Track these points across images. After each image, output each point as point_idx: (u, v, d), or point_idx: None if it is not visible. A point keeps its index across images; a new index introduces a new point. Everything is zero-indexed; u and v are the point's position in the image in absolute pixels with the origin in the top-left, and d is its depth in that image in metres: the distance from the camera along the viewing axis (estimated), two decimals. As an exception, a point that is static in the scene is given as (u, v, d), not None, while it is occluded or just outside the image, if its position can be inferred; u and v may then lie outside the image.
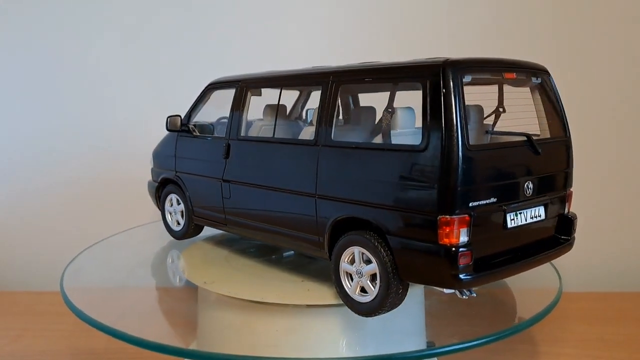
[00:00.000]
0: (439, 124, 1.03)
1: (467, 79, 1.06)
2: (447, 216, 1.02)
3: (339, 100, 1.31)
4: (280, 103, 1.47)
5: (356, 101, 1.67)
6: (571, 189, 1.29)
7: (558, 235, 1.27)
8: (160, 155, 1.75)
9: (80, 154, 2.26)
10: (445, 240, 1.03)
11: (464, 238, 1.04)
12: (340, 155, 1.19)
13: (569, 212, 1.29)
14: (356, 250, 1.16)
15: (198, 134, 1.59)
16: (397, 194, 1.08)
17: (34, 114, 2.26)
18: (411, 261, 1.08)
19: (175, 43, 2.22)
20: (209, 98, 1.62)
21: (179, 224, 1.70)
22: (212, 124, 1.65)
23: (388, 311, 1.16)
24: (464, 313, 1.42)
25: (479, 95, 1.26)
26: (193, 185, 1.60)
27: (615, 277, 2.26)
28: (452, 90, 1.03)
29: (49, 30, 2.20)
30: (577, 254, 2.19)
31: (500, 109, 1.35)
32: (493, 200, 1.08)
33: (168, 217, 1.75)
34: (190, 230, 1.67)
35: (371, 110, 1.40)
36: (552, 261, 1.55)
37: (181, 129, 1.61)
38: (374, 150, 1.14)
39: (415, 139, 1.08)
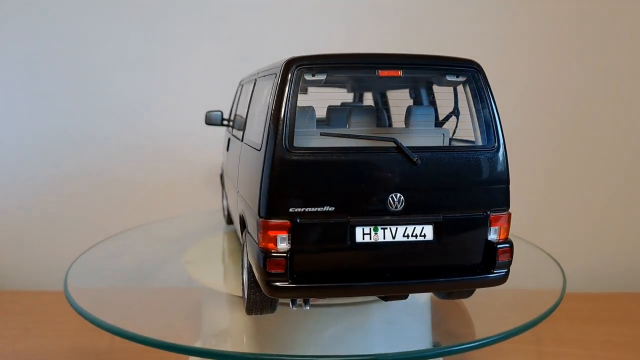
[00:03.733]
0: (267, 124, 1.00)
1: (313, 77, 1.02)
2: (264, 220, 0.98)
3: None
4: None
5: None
6: (505, 212, 1.07)
7: (484, 264, 1.06)
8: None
9: (82, 155, 2.26)
10: (262, 245, 0.98)
11: (282, 244, 0.98)
12: (239, 150, 1.22)
13: (501, 238, 1.06)
14: None
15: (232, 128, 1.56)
16: (250, 192, 1.05)
17: (36, 113, 2.25)
18: (251, 262, 1.05)
19: (189, 37, 2.22)
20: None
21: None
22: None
23: (261, 313, 1.12)
24: (469, 313, 1.42)
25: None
26: (227, 181, 1.62)
27: (621, 277, 2.25)
28: (284, 88, 0.99)
29: (55, 24, 2.19)
30: (582, 254, 2.22)
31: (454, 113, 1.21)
32: (329, 209, 0.99)
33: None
34: None
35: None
36: (559, 263, 1.56)
37: (222, 124, 1.63)
38: (243, 145, 1.16)
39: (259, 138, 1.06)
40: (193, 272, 1.42)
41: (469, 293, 1.19)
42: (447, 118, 1.21)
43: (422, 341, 1.31)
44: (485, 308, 1.44)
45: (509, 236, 1.08)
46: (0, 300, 2.14)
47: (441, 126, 1.20)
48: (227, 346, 1.28)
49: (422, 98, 1.28)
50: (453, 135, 1.17)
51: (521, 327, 1.20)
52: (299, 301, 1.07)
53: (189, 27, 2.20)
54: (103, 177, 2.27)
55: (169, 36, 2.21)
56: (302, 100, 1.04)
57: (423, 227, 1.02)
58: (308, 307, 1.08)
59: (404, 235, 1.01)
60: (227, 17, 2.19)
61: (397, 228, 1.01)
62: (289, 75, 1.00)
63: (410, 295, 1.32)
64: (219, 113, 1.67)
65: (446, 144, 1.13)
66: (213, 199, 2.14)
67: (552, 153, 2.25)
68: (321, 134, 1.04)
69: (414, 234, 1.02)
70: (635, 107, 2.21)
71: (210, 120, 1.65)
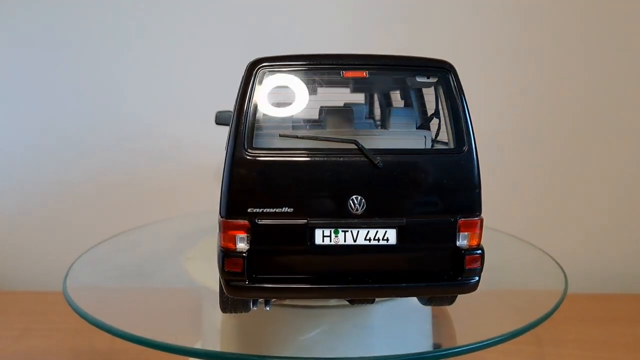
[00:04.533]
0: (230, 124, 1.01)
1: (273, 78, 1.02)
2: (224, 219, 0.99)
3: None
4: None
5: None
6: (476, 218, 1.03)
7: (453, 271, 1.03)
8: None
9: (82, 156, 2.26)
10: (223, 244, 0.99)
11: (241, 244, 0.98)
12: None
13: (471, 245, 1.03)
14: None
15: None
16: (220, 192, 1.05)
17: (37, 115, 2.25)
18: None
19: (194, 38, 2.21)
20: None
21: None
22: None
23: (235, 312, 1.12)
24: (471, 315, 1.42)
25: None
26: None
27: (622, 278, 2.25)
28: (247, 89, 1.00)
29: (68, 23, 2.19)
30: (583, 255, 2.22)
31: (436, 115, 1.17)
32: (288, 210, 0.98)
33: None
34: None
35: None
36: (560, 264, 1.56)
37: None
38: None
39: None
40: (193, 272, 1.42)
41: (450, 300, 1.15)
42: (428, 120, 1.18)
43: (422, 343, 1.31)
44: (486, 309, 1.44)
45: (481, 242, 1.04)
46: (0, 301, 2.13)
47: (426, 128, 1.17)
48: (228, 347, 1.27)
49: (399, 99, 1.28)
50: (436, 137, 1.15)
51: (522, 328, 1.20)
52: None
53: (193, 28, 2.20)
54: (103, 178, 2.27)
55: (174, 38, 2.20)
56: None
57: (386, 231, 1.00)
58: (268, 308, 1.08)
59: (365, 239, 1.00)
60: (233, 18, 2.19)
61: (358, 231, 0.99)
62: (252, 76, 1.01)
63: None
64: (230, 113, 1.64)
65: (428, 146, 1.09)
66: (214, 198, 2.13)
67: (553, 153, 2.24)
68: (280, 135, 1.03)
69: (376, 238, 1.00)
70: (637, 107, 2.21)
71: (220, 120, 1.62)
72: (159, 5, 2.19)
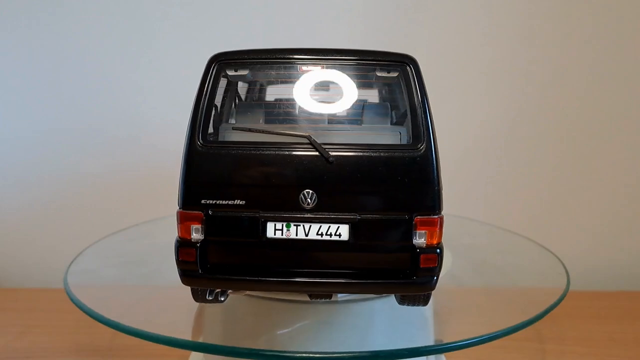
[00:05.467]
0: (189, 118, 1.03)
1: (236, 72, 1.05)
2: (180, 210, 1.01)
3: None
4: None
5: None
6: (433, 216, 1.00)
7: (409, 270, 1.00)
8: None
9: (83, 153, 2.26)
10: (180, 234, 1.01)
11: (196, 235, 1.00)
12: None
13: (429, 244, 1.00)
14: None
15: None
16: None
17: (42, 110, 2.25)
18: None
19: (195, 38, 2.21)
20: None
21: None
22: None
23: (206, 302, 1.13)
24: (472, 311, 1.42)
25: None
26: None
27: (624, 276, 2.25)
28: (204, 83, 1.03)
29: (72, 23, 2.19)
30: (585, 252, 2.22)
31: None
32: (240, 202, 1.00)
33: None
34: None
35: None
36: (562, 261, 1.56)
37: None
38: None
39: None
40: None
41: (424, 300, 1.12)
42: (400, 116, 1.17)
43: (424, 337, 1.31)
44: (488, 305, 1.44)
45: (440, 241, 1.01)
46: (1, 298, 2.13)
47: (401, 124, 1.15)
48: (230, 342, 1.27)
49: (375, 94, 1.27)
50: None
51: (523, 323, 1.20)
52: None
53: (196, 26, 2.20)
54: (104, 175, 2.27)
55: (185, 34, 2.20)
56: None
57: (338, 227, 0.99)
58: (223, 299, 1.09)
59: (317, 234, 0.99)
60: (234, 17, 2.19)
61: (310, 226, 0.99)
62: (210, 70, 1.04)
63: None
64: None
65: (404, 142, 1.07)
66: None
67: (555, 152, 2.24)
68: (233, 128, 1.04)
69: (329, 233, 0.99)
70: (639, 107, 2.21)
71: None
72: (170, 2, 2.19)
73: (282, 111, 1.13)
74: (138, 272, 1.67)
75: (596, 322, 1.90)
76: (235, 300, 1.26)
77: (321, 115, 1.10)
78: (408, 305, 1.13)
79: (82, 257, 1.60)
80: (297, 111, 1.12)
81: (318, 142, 0.99)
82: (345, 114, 1.12)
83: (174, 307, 1.44)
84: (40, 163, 2.26)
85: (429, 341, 1.32)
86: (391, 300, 1.25)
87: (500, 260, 1.75)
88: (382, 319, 1.22)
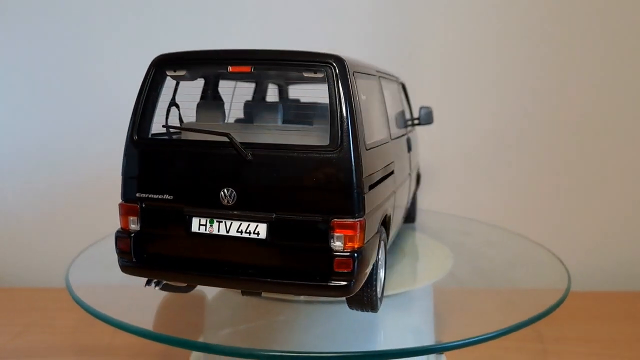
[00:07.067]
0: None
1: (175, 72, 1.09)
2: (121, 202, 1.10)
3: None
4: None
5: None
6: (352, 220, 0.97)
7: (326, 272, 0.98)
8: None
9: (85, 152, 2.26)
10: (120, 225, 1.10)
11: (133, 226, 1.07)
12: None
13: (347, 248, 0.97)
14: None
15: None
16: None
17: (42, 113, 2.25)
18: None
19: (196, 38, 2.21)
20: None
21: None
22: None
23: (171, 291, 1.18)
24: (472, 311, 1.41)
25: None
26: None
27: (624, 276, 2.24)
28: (144, 83, 1.09)
29: (64, 29, 2.19)
30: (585, 253, 2.21)
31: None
32: (168, 197, 1.04)
33: None
34: None
35: None
36: (562, 261, 1.55)
37: None
38: None
39: None
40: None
41: (371, 306, 1.11)
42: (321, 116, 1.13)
43: (425, 337, 1.31)
44: (489, 305, 1.43)
45: (361, 246, 0.98)
46: (1, 297, 2.13)
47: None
48: (231, 341, 1.27)
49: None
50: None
51: (523, 322, 1.19)
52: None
53: (196, 29, 2.20)
54: (106, 174, 2.26)
55: (187, 35, 2.20)
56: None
57: (257, 225, 1.00)
58: (157, 288, 1.14)
59: (237, 231, 1.01)
60: (237, 19, 2.19)
61: (231, 223, 1.02)
62: (150, 70, 1.09)
63: (414, 291, 1.33)
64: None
65: (323, 143, 1.03)
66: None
67: (557, 152, 2.24)
68: (162, 126, 1.09)
69: (248, 231, 1.01)
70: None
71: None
72: (163, 6, 2.19)
73: (214, 110, 1.18)
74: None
75: (597, 322, 1.90)
76: (229, 299, 1.26)
77: (251, 115, 1.14)
78: (356, 309, 1.13)
79: (83, 256, 1.59)
80: (227, 110, 1.18)
81: (238, 141, 1.00)
82: (274, 114, 1.15)
83: (175, 307, 1.44)
84: (41, 162, 2.26)
85: (429, 341, 1.31)
86: (392, 299, 1.25)
87: (500, 259, 1.75)
88: (383, 318, 1.21)
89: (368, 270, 1.04)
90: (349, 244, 0.97)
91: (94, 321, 1.21)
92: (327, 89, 1.00)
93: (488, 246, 1.85)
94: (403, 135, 1.49)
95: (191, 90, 1.26)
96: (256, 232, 1.00)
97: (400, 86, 1.67)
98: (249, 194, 1.00)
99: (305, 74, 1.03)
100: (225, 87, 1.33)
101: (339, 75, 1.00)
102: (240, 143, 1.00)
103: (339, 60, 1.01)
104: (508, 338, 1.17)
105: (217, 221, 1.02)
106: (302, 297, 1.22)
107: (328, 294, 1.00)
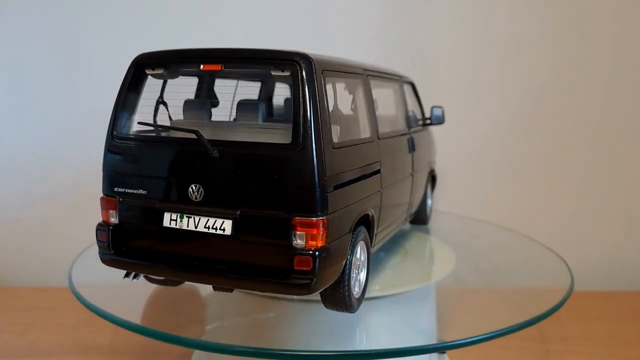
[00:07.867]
0: None
1: (154, 71, 1.12)
2: (102, 196, 1.13)
3: None
4: None
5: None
6: (314, 218, 0.97)
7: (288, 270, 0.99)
8: None
9: (86, 151, 2.25)
10: (102, 218, 1.13)
11: (112, 219, 1.11)
12: None
13: (309, 246, 0.97)
14: None
15: None
16: None
17: (43, 112, 2.25)
18: None
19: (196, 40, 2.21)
20: None
21: None
22: None
23: (158, 283, 1.25)
24: (474, 310, 1.41)
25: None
26: None
27: (627, 276, 2.24)
28: (124, 81, 1.13)
29: (65, 28, 2.19)
30: (588, 252, 2.21)
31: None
32: (142, 192, 1.09)
33: None
34: None
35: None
36: (565, 260, 1.55)
37: None
38: None
39: None
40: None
41: (345, 306, 1.10)
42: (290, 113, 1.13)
43: (427, 336, 1.31)
44: (492, 304, 1.43)
45: (325, 245, 0.98)
46: (3, 297, 2.14)
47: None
48: (234, 340, 1.27)
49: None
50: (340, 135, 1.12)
51: (526, 321, 1.19)
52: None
53: (196, 31, 2.20)
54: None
55: (194, 34, 2.20)
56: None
57: (223, 221, 1.03)
58: (135, 280, 1.17)
59: (205, 227, 1.04)
60: (237, 20, 2.19)
61: (199, 218, 1.04)
62: (130, 69, 1.13)
63: (416, 289, 1.33)
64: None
65: (286, 141, 1.03)
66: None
67: (558, 152, 2.24)
68: (138, 123, 1.12)
69: (214, 227, 1.03)
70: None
71: None
72: (160, 8, 2.19)
73: (199, 108, 1.21)
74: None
75: (599, 322, 1.90)
76: (230, 298, 1.26)
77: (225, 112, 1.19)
78: (331, 309, 1.13)
79: (85, 255, 1.59)
80: (200, 108, 1.20)
81: (206, 138, 1.02)
82: (251, 112, 1.15)
83: (178, 305, 1.44)
84: (43, 160, 2.26)
85: (432, 339, 1.31)
86: (394, 299, 1.25)
87: (503, 260, 1.75)
88: (385, 317, 1.21)
89: (335, 270, 1.04)
90: (311, 243, 0.98)
91: (96, 320, 1.22)
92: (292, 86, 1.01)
93: (491, 246, 1.85)
94: (403, 134, 1.48)
95: (187, 89, 1.28)
96: (222, 228, 1.03)
97: (406, 85, 1.65)
98: (215, 190, 1.03)
99: (273, 72, 1.03)
100: (224, 87, 1.34)
101: (304, 74, 1.00)
102: (208, 140, 1.02)
103: (306, 59, 1.01)
104: (511, 337, 1.17)
105: (186, 216, 1.05)
106: (300, 297, 1.22)
107: (289, 292, 1.01)
